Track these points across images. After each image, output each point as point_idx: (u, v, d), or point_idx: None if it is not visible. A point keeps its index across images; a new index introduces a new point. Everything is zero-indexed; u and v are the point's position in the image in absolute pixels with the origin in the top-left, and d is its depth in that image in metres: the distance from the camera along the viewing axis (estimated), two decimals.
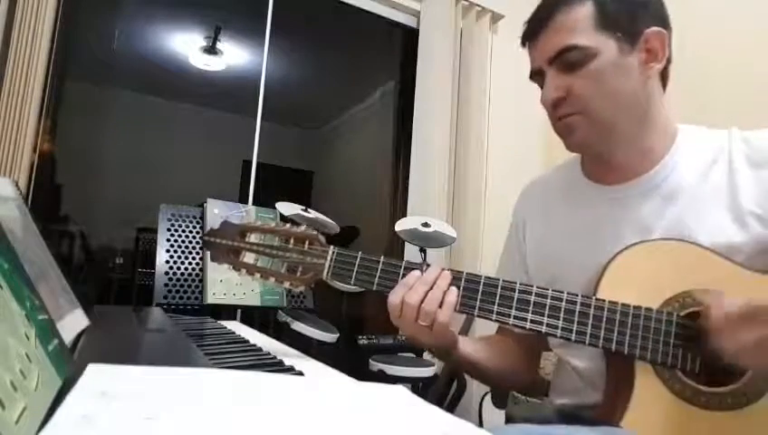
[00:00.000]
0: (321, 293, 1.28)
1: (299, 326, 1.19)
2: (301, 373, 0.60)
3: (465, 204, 2.36)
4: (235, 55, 3.88)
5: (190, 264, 1.12)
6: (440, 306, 0.68)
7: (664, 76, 0.77)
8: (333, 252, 0.73)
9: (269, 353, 0.69)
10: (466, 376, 1.66)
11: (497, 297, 0.68)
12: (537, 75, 0.76)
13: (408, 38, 2.58)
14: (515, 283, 0.68)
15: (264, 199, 1.57)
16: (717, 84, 1.88)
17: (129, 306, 1.00)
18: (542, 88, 0.76)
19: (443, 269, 0.70)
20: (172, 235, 1.13)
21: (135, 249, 3.44)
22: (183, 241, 1.14)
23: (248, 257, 0.75)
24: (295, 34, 3.25)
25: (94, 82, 3.73)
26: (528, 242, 0.89)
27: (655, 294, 0.67)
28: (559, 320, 0.66)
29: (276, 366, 0.63)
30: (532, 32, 0.76)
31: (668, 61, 0.75)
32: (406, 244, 2.03)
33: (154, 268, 1.08)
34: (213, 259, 0.77)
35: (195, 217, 1.18)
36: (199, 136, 4.44)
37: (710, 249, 0.68)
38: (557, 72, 0.73)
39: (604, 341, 0.64)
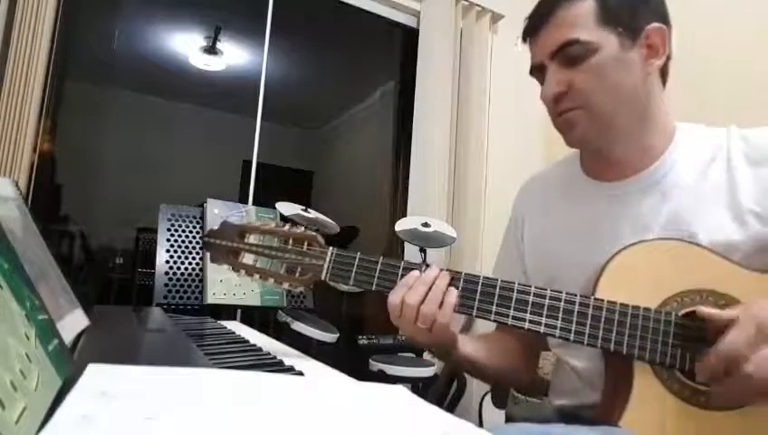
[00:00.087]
0: (321, 293, 1.28)
1: (299, 326, 1.19)
2: (301, 373, 0.60)
3: (465, 204, 2.36)
4: (234, 55, 3.88)
5: (190, 264, 1.12)
6: (440, 307, 0.68)
7: (664, 73, 0.77)
8: (332, 253, 0.73)
9: (269, 353, 0.69)
10: (466, 376, 1.66)
11: (495, 297, 0.68)
12: (538, 71, 0.77)
13: (408, 38, 2.58)
14: (514, 283, 0.68)
15: (264, 199, 1.57)
16: (716, 82, 1.88)
17: (129, 306, 1.00)
18: (542, 84, 0.76)
19: (441, 270, 0.70)
20: (172, 235, 1.13)
21: (135, 249, 3.44)
22: (183, 241, 1.14)
23: (247, 258, 0.76)
24: (295, 34, 3.25)
25: (94, 82, 3.72)
26: (526, 241, 0.89)
27: (653, 294, 0.67)
28: (557, 320, 0.66)
29: (276, 366, 0.63)
30: (534, 27, 0.76)
31: (668, 57, 0.75)
32: (406, 244, 2.03)
33: (154, 268, 1.08)
34: (213, 260, 0.78)
35: (195, 217, 1.18)
36: (199, 136, 4.44)
37: (708, 249, 0.68)
38: (558, 67, 0.73)
39: (603, 341, 0.65)
